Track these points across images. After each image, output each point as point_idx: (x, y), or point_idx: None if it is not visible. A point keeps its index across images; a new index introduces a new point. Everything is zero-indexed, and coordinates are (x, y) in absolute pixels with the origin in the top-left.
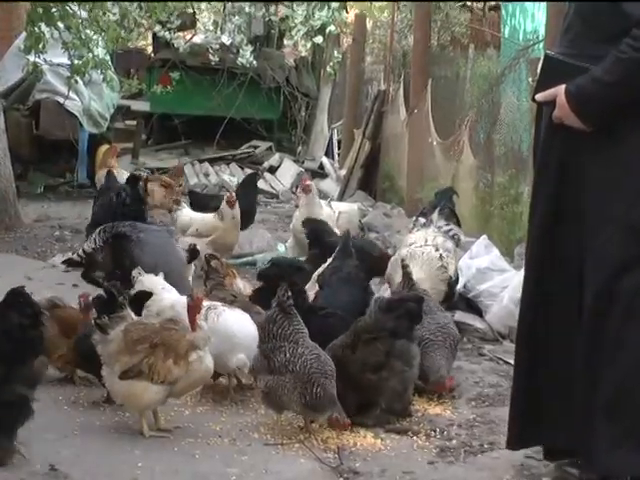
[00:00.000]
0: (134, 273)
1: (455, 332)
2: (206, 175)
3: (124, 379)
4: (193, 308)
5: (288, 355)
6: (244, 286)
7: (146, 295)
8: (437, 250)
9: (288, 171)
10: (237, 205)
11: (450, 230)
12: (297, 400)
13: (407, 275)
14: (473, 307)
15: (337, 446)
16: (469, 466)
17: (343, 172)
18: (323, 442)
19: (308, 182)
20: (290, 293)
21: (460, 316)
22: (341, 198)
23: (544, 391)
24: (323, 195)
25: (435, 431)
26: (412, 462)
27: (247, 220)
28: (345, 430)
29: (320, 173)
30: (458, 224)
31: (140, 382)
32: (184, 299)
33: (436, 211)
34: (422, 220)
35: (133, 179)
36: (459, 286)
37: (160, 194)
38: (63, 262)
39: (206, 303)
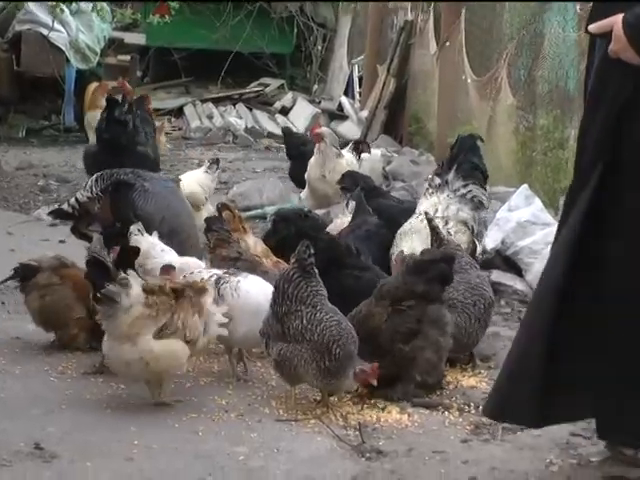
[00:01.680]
0: (132, 229)
1: (488, 294)
2: (210, 117)
3: (160, 338)
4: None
5: (305, 321)
6: (255, 243)
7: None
8: (447, 224)
9: (302, 112)
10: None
11: (468, 193)
12: (315, 373)
13: (434, 230)
14: (512, 266)
15: (358, 422)
16: (507, 445)
17: (365, 113)
18: (342, 418)
19: (318, 130)
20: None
21: (497, 276)
22: None
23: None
24: (342, 140)
25: (469, 405)
26: (443, 440)
27: None
28: (375, 379)
29: (339, 115)
30: (484, 179)
31: (176, 341)
32: (193, 261)
33: (452, 169)
34: (437, 180)
35: (108, 102)
36: (495, 244)
37: None
38: (50, 213)
39: (208, 271)
